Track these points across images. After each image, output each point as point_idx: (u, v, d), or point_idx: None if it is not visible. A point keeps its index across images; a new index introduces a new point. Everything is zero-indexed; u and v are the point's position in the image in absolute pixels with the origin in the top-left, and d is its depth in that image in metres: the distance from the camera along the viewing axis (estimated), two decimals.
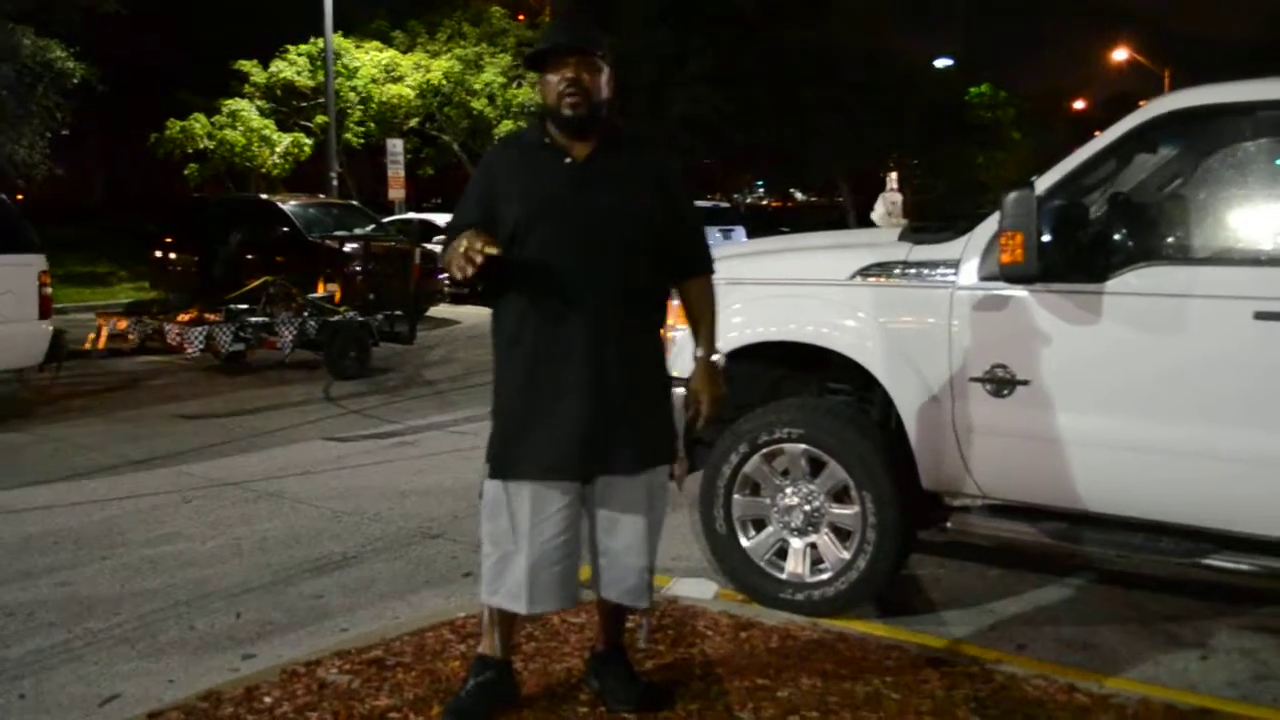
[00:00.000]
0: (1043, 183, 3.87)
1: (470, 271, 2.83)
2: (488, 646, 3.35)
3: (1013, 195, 3.66)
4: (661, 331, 3.33)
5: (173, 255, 15.82)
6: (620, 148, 3.20)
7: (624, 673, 3.45)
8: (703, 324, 3.33)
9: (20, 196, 17.69)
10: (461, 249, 2.84)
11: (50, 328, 8.71)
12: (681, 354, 4.63)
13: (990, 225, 3.91)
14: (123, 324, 10.81)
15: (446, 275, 3.24)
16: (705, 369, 3.31)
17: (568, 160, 3.12)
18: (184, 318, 10.44)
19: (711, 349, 3.33)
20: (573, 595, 3.24)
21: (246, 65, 24.96)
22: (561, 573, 3.16)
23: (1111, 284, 3.73)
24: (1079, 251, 3.75)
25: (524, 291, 3.10)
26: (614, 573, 3.25)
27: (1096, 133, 4.06)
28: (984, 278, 3.95)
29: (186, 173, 24.56)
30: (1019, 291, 3.87)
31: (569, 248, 3.06)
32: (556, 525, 3.12)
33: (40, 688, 3.78)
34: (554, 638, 3.92)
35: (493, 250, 2.83)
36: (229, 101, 24.20)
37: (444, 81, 26.11)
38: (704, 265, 3.35)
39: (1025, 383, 3.86)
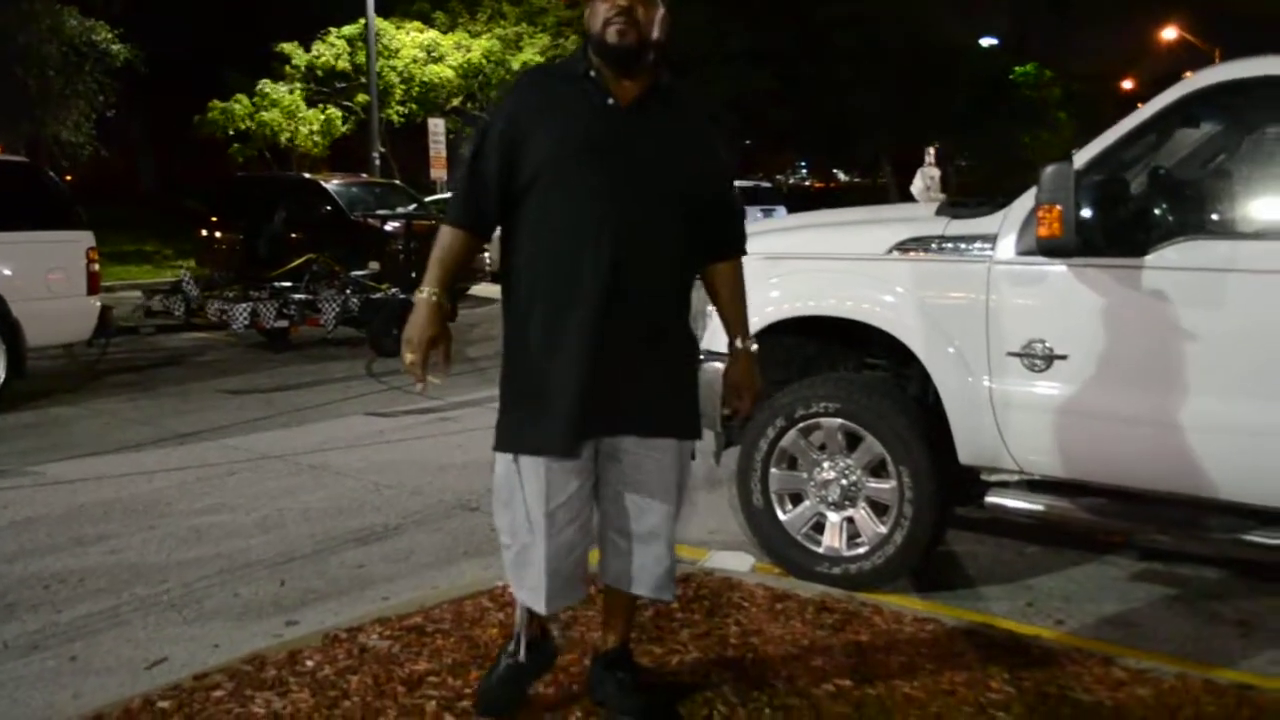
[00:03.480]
0: (1081, 157, 3.84)
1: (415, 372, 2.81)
2: (535, 627, 3.19)
3: (1050, 169, 3.64)
4: (686, 306, 3.04)
5: (218, 234, 16.00)
6: (671, 100, 2.90)
7: (629, 681, 3.17)
8: (737, 310, 3.09)
9: (69, 177, 17.93)
10: (408, 360, 2.80)
11: (98, 303, 8.87)
12: (717, 328, 4.67)
13: (1028, 199, 3.89)
14: None
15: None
16: (746, 360, 3.08)
17: (610, 101, 2.82)
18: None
19: (748, 338, 3.10)
20: (584, 586, 3.10)
21: (287, 48, 25.12)
22: (575, 563, 2.98)
23: (1151, 258, 3.70)
24: (1118, 225, 3.70)
25: (549, 247, 2.83)
26: (639, 561, 3.02)
27: (1139, 105, 4.03)
28: (1021, 252, 3.93)
29: (230, 151, 24.79)
30: (1057, 266, 3.84)
31: (600, 200, 2.77)
32: (570, 511, 2.91)
33: (90, 651, 3.87)
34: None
35: (436, 380, 2.83)
36: (262, 83, 24.39)
37: (484, 61, 26.14)
38: (738, 246, 3.10)
39: (1063, 357, 3.85)
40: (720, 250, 3.06)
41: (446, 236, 2.92)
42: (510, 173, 2.83)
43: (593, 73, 2.84)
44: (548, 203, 2.82)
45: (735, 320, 3.10)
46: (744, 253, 3.13)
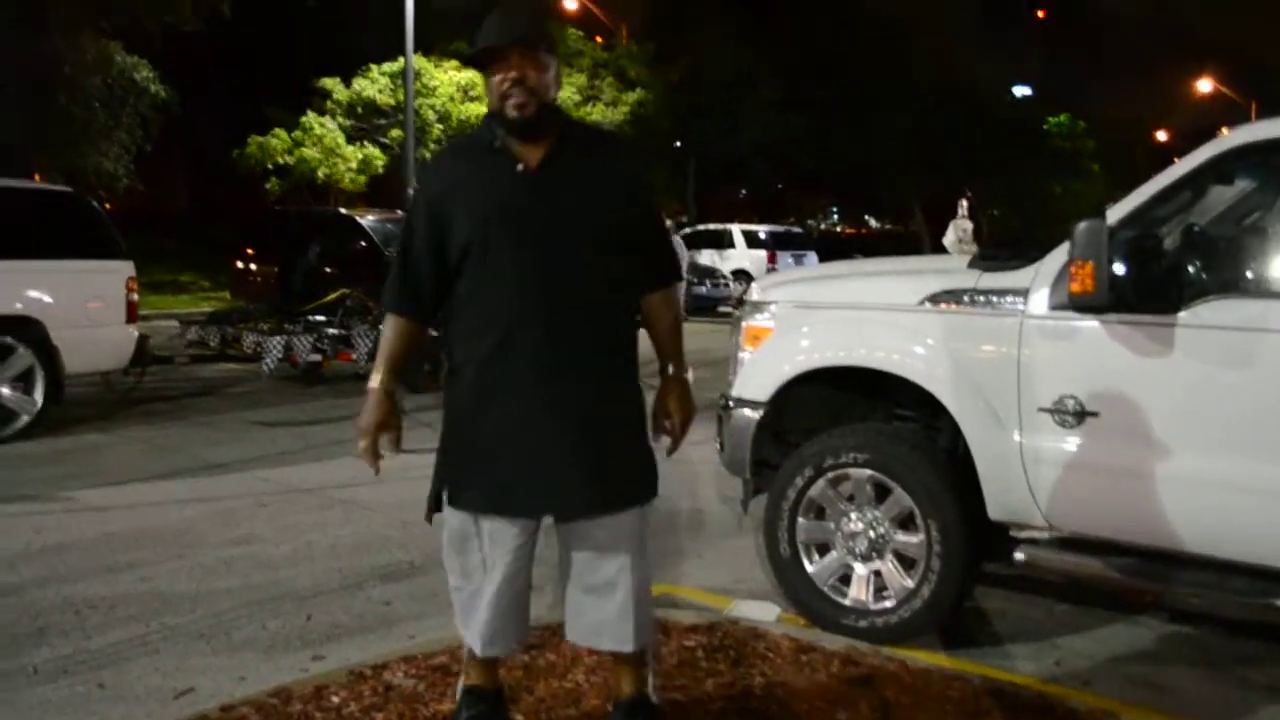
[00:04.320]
0: (1114, 212, 3.85)
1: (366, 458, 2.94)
2: (475, 677, 3.24)
3: (1084, 225, 3.64)
4: (630, 353, 3.05)
5: (252, 266, 16.17)
6: (578, 151, 2.93)
7: None
8: (670, 338, 3.08)
9: (109, 206, 18.18)
10: (360, 446, 2.93)
11: (136, 332, 8.97)
12: (748, 376, 4.69)
13: (1060, 254, 3.90)
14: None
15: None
16: (677, 387, 3.06)
17: (519, 168, 2.86)
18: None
19: (681, 365, 3.07)
20: (523, 634, 3.15)
21: (329, 83, 25.46)
22: (515, 611, 3.04)
23: (1184, 316, 3.69)
24: (1151, 282, 3.69)
25: (473, 314, 2.90)
26: (600, 615, 3.04)
27: (1175, 159, 4.04)
28: (1054, 307, 3.93)
29: (268, 186, 25.08)
30: (1089, 322, 3.85)
31: (524, 266, 2.83)
32: (516, 560, 2.97)
33: (119, 678, 3.91)
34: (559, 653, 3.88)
35: (385, 461, 2.95)
36: (308, 118, 24.70)
37: None
38: (664, 277, 3.09)
39: (1095, 414, 3.84)
40: (650, 282, 3.07)
41: (389, 326, 3.04)
42: (440, 252, 2.91)
43: (497, 143, 2.90)
44: (476, 276, 2.88)
45: (668, 348, 3.09)
46: (673, 282, 3.13)
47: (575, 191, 2.89)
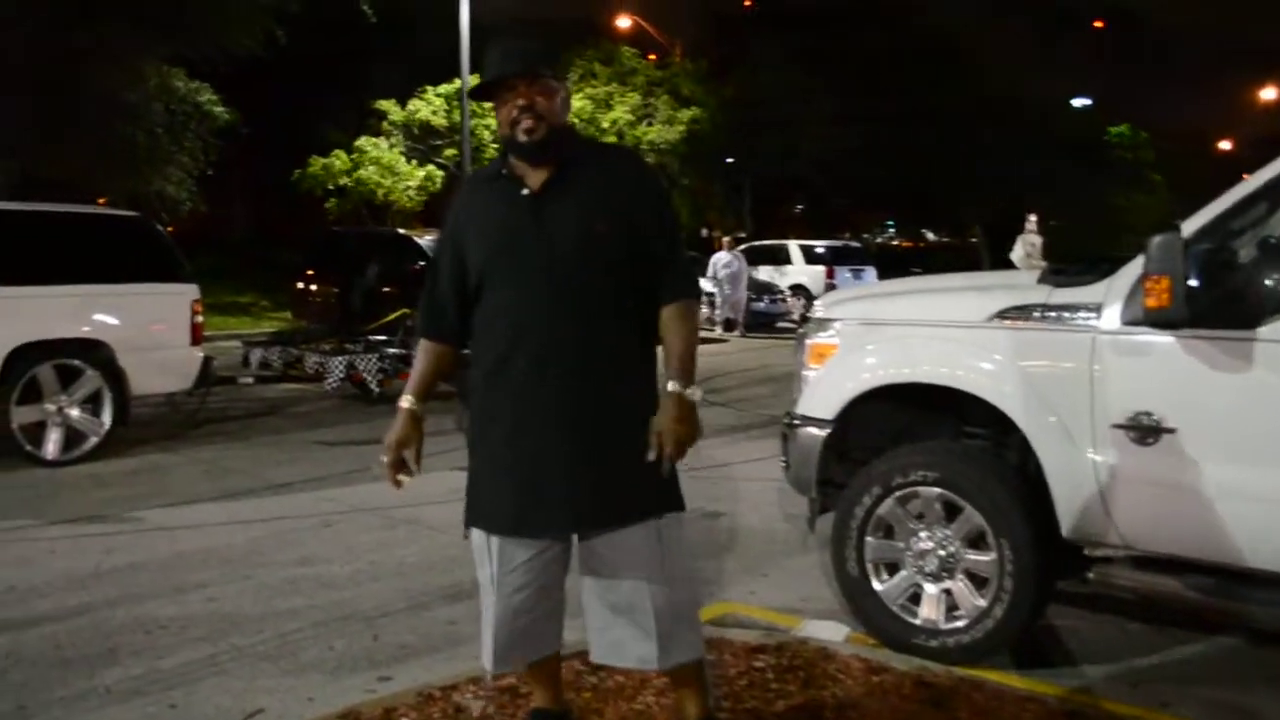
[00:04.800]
0: (1189, 225, 3.77)
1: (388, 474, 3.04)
2: (542, 699, 3.30)
3: (1159, 239, 3.57)
4: (643, 368, 3.04)
5: (313, 287, 16.35)
6: (581, 169, 2.96)
7: None
8: (673, 355, 2.96)
9: (171, 229, 18.54)
10: (383, 461, 3.05)
11: (201, 354, 9.09)
12: (813, 394, 4.65)
13: (1134, 269, 3.82)
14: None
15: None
16: (674, 404, 2.89)
17: (525, 191, 2.93)
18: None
19: (685, 381, 2.91)
20: (539, 649, 3.14)
21: (385, 104, 25.77)
22: (525, 628, 3.05)
23: (1264, 331, 3.60)
24: (1228, 297, 3.62)
25: (488, 335, 2.98)
26: (620, 634, 3.04)
27: (1245, 176, 3.95)
28: (1127, 322, 3.85)
29: (327, 206, 25.40)
30: (1164, 337, 3.76)
31: (531, 286, 2.88)
32: (522, 577, 2.99)
33: (189, 699, 3.94)
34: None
35: (405, 478, 3.05)
36: (363, 140, 25.00)
37: (575, 120, 26.56)
38: (677, 293, 3.00)
39: (1171, 431, 3.76)
40: (664, 296, 3.01)
41: (421, 350, 3.16)
42: (461, 278, 3.02)
43: (504, 171, 2.99)
44: (486, 296, 2.97)
45: (673, 363, 2.97)
46: (686, 297, 3.03)
47: (577, 209, 2.92)
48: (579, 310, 2.89)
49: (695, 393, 2.93)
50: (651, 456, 2.87)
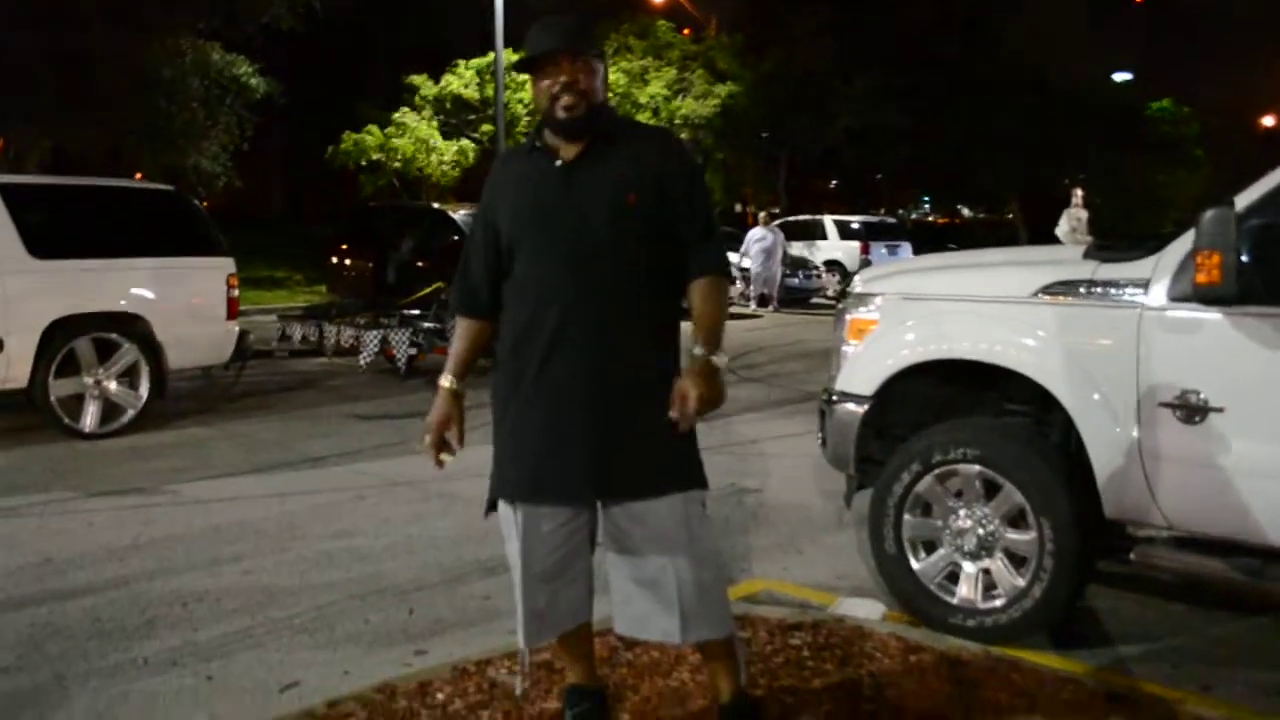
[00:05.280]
0: (1242, 199, 3.68)
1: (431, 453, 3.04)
2: (576, 675, 3.30)
3: (1210, 213, 3.48)
4: (671, 342, 3.03)
5: (347, 261, 16.37)
6: (613, 144, 2.96)
7: None
8: (701, 325, 2.94)
9: (205, 203, 18.64)
10: (425, 441, 3.05)
11: (237, 328, 9.13)
12: (852, 370, 4.60)
13: (1183, 244, 3.74)
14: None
15: None
16: (699, 366, 2.86)
17: (557, 164, 2.95)
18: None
19: (712, 348, 2.89)
20: (569, 620, 3.13)
21: (417, 79, 25.75)
22: (552, 598, 3.05)
23: None
24: None
25: (516, 306, 2.99)
26: (644, 607, 3.03)
27: None
28: (1175, 298, 3.77)
29: (362, 180, 25.45)
30: (1214, 314, 3.68)
31: (559, 257, 2.89)
32: (546, 545, 3.00)
33: (226, 671, 3.96)
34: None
35: (448, 457, 3.06)
36: (399, 113, 25.00)
37: (611, 94, 26.44)
38: (706, 267, 2.99)
39: (1219, 410, 3.68)
40: (693, 270, 3.00)
41: (459, 327, 3.16)
42: (494, 249, 3.03)
43: (539, 144, 3.01)
44: (516, 268, 2.98)
45: (701, 332, 2.94)
46: (716, 272, 3.03)
47: (607, 182, 2.92)
48: (606, 281, 2.90)
49: (721, 358, 2.92)
50: (673, 414, 2.84)
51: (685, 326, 3.00)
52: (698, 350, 2.90)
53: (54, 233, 8.17)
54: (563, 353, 2.90)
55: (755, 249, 20.81)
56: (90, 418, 8.13)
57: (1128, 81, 40.16)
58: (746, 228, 23.05)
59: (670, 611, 2.99)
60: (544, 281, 2.92)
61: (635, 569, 3.02)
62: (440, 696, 3.51)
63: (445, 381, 3.09)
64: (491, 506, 3.12)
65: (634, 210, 2.91)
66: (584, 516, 3.04)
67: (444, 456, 3.07)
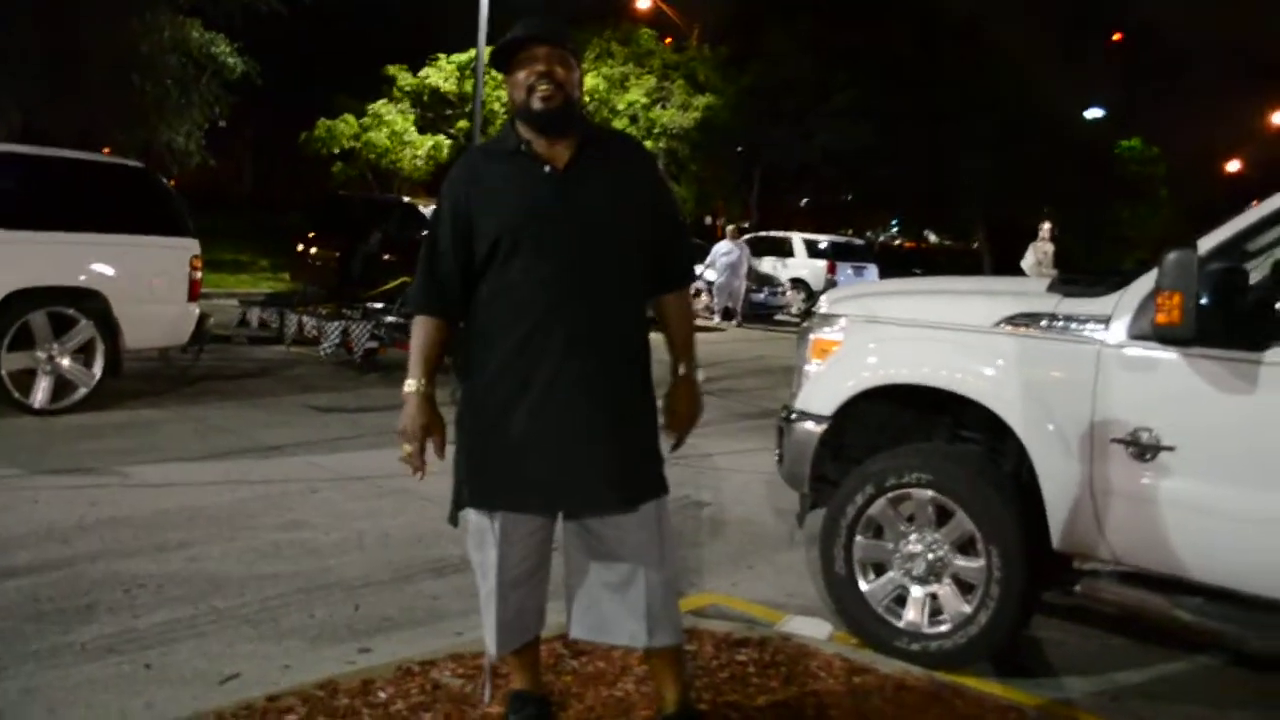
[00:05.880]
0: (1205, 243, 3.73)
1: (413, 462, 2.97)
2: (521, 681, 3.29)
3: (1174, 255, 3.52)
4: (646, 354, 3.08)
5: (314, 250, 16.27)
6: (602, 151, 2.99)
7: None
8: (679, 339, 3.12)
9: (174, 183, 18.47)
10: (405, 451, 2.96)
11: (197, 310, 9.03)
12: (812, 389, 4.61)
13: (1146, 283, 3.78)
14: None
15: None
16: (687, 386, 3.09)
17: (546, 169, 2.91)
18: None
19: (692, 365, 3.10)
20: (533, 628, 3.17)
21: (395, 70, 25.64)
22: (520, 606, 3.08)
23: (1271, 354, 3.57)
24: (1239, 318, 3.59)
25: (498, 313, 2.93)
26: (612, 609, 3.05)
27: (1255, 201, 3.91)
28: (1134, 336, 3.81)
29: (334, 170, 25.29)
30: (1171, 354, 3.73)
31: (554, 268, 2.87)
32: (520, 552, 3.01)
33: (165, 660, 3.91)
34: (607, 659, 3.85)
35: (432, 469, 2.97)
36: (374, 105, 24.88)
37: (589, 99, 26.44)
38: (681, 280, 3.19)
39: (1171, 448, 3.72)
40: (668, 283, 3.13)
41: (419, 327, 3.06)
42: (466, 251, 2.95)
43: (523, 146, 2.94)
44: (507, 275, 2.90)
45: (681, 348, 3.13)
46: (689, 283, 3.25)
47: (600, 193, 2.93)
48: (601, 290, 2.92)
49: (701, 374, 3.12)
50: (671, 438, 3.02)
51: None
52: (684, 369, 3.08)
53: (15, 202, 8.04)
54: (555, 362, 2.87)
55: (721, 262, 20.87)
56: (41, 393, 7.99)
57: (1099, 119, 40.64)
58: (716, 241, 23.09)
59: (637, 615, 3.01)
60: (537, 290, 2.88)
61: (605, 573, 3.03)
62: (383, 695, 3.48)
63: (416, 386, 2.99)
64: (458, 509, 3.09)
65: (627, 221, 2.96)
66: (552, 523, 3.05)
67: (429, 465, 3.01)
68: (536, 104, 2.86)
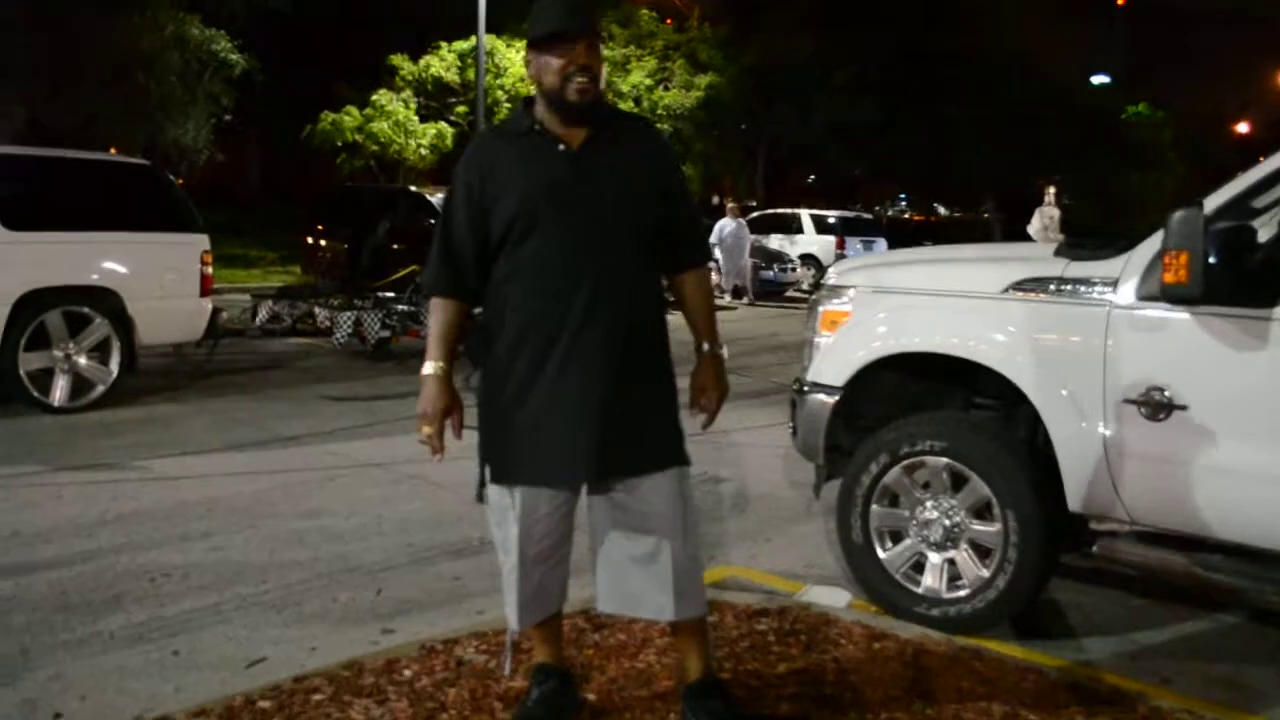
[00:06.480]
0: (1211, 203, 3.73)
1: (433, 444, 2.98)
2: (544, 654, 3.30)
3: (1179, 214, 3.52)
4: (663, 329, 3.12)
5: (323, 242, 16.32)
6: (615, 133, 3.01)
7: (722, 711, 3.15)
8: (701, 317, 3.17)
9: (180, 180, 18.51)
10: (425, 433, 2.98)
11: (209, 305, 9.09)
12: (823, 361, 4.63)
13: (1153, 244, 3.79)
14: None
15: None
16: (712, 363, 3.16)
17: (561, 148, 2.93)
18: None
19: (716, 342, 3.17)
20: (556, 602, 3.19)
21: (396, 59, 25.61)
22: (543, 580, 3.09)
23: None
24: (1246, 275, 3.59)
25: (516, 292, 2.94)
26: (638, 584, 3.06)
27: (1261, 158, 3.91)
28: (1143, 297, 3.82)
29: (339, 161, 25.30)
30: (1180, 314, 3.73)
31: (571, 243, 2.90)
32: (544, 528, 3.02)
33: (192, 646, 3.96)
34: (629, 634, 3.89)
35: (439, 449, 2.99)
36: (377, 95, 24.86)
37: None
38: (701, 257, 3.24)
39: (1183, 407, 3.73)
40: (685, 262, 3.16)
41: (437, 310, 3.07)
42: (482, 232, 2.96)
43: (537, 126, 2.96)
44: (524, 252, 2.92)
45: (702, 326, 3.18)
46: (705, 262, 3.26)
47: (616, 172, 2.96)
48: (617, 266, 2.94)
49: (724, 350, 3.18)
50: (696, 410, 3.10)
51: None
52: (708, 346, 3.14)
53: (27, 204, 8.10)
54: (576, 338, 2.89)
55: (728, 240, 20.84)
56: (60, 392, 8.08)
57: (1106, 85, 40.39)
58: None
59: (664, 588, 3.03)
60: (556, 268, 2.90)
61: (634, 544, 3.05)
62: (407, 674, 3.52)
63: (434, 368, 3.01)
64: (496, 484, 3.08)
65: (643, 200, 2.99)
66: (574, 499, 3.07)
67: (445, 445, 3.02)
68: (572, 95, 2.87)
